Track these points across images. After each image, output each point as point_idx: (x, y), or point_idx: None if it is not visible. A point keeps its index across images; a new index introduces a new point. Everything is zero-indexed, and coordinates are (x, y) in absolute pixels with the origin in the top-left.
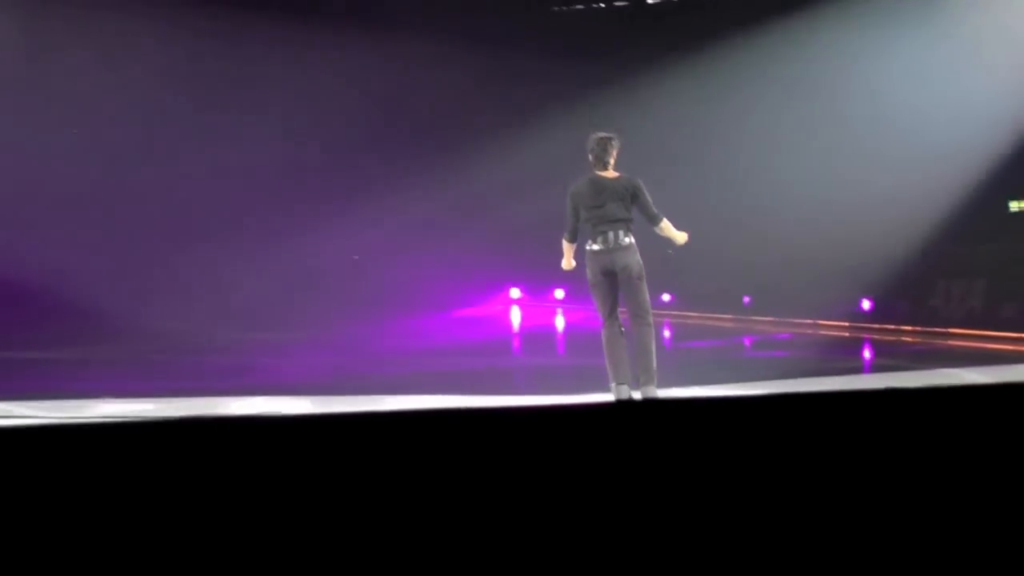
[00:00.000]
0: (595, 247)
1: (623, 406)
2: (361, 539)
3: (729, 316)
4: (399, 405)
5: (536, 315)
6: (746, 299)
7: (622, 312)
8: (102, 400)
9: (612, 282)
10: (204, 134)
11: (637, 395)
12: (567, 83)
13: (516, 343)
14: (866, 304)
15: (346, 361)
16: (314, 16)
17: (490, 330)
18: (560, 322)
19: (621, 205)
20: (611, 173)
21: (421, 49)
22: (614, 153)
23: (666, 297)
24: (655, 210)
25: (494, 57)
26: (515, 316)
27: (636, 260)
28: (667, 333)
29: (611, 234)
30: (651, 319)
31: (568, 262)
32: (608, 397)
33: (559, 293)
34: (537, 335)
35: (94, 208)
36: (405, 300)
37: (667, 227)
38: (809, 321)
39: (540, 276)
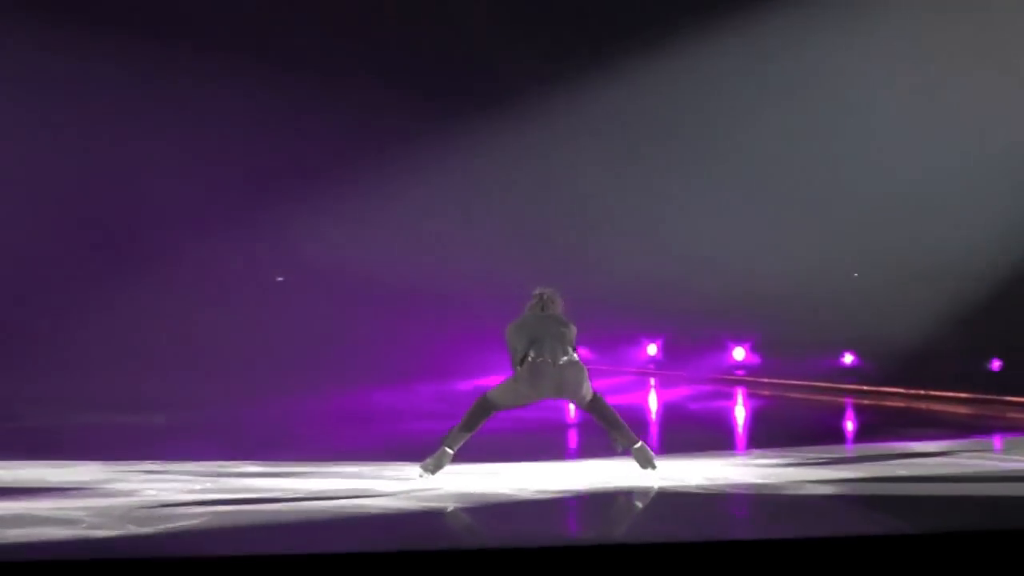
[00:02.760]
0: (539, 360)
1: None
2: None
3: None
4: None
5: (608, 387)
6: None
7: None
8: None
9: (534, 399)
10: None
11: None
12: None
13: (572, 440)
14: None
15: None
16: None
17: (524, 414)
18: (653, 399)
19: (564, 331)
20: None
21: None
22: (558, 305)
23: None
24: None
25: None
26: None
27: (581, 378)
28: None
29: (557, 352)
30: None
31: None
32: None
33: (651, 349)
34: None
35: None
36: (380, 361)
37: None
38: None
39: (614, 321)
